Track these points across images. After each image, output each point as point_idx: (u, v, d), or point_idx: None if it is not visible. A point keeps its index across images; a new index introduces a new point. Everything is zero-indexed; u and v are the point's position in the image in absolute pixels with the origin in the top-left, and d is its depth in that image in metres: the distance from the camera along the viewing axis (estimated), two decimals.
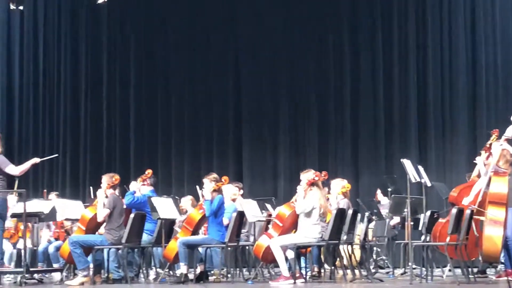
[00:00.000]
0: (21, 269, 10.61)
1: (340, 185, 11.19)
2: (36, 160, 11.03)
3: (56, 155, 11.52)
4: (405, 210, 11.56)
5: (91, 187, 13.65)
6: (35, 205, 11.36)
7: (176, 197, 12.41)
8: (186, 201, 12.66)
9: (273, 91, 16.52)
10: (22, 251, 10.90)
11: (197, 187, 12.64)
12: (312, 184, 10.17)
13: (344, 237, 10.57)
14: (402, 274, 11.74)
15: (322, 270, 10.99)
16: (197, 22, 16.91)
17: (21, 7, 16.26)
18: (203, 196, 10.89)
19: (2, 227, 10.66)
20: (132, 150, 17.06)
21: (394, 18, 15.88)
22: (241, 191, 12.06)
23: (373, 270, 11.61)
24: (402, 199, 11.94)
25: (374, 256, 13.14)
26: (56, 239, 12.72)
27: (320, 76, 16.28)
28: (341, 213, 10.38)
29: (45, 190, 14.30)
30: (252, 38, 16.61)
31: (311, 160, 15.65)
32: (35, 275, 11.26)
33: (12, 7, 16.18)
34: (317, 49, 16.36)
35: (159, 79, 17.22)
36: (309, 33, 16.40)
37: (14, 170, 10.66)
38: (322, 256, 11.02)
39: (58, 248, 12.11)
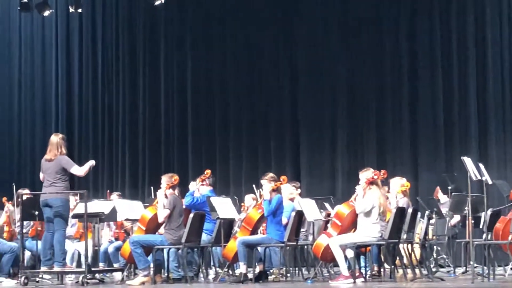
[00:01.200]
0: (83, 269, 10.73)
1: (399, 183, 11.11)
2: (93, 162, 10.99)
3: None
4: (466, 208, 11.42)
5: (152, 187, 13.75)
6: (96, 205, 11.47)
7: (235, 197, 12.44)
8: (250, 199, 12.68)
9: (330, 90, 16.42)
10: (83, 251, 11.01)
11: (254, 186, 12.66)
12: (371, 183, 10.13)
13: (404, 236, 10.51)
14: (463, 273, 11.63)
15: (382, 269, 10.90)
16: (255, 25, 16.88)
17: (79, 10, 16.48)
18: (261, 195, 10.91)
19: (64, 228, 10.77)
20: (190, 150, 17.13)
21: (452, 13, 15.67)
22: (299, 190, 12.04)
23: (433, 269, 11.53)
24: (463, 197, 11.81)
25: (435, 255, 13.01)
26: (116, 239, 12.83)
27: (378, 75, 16.12)
28: (400, 212, 10.31)
29: (108, 191, 14.44)
30: (310, 39, 16.53)
31: (369, 159, 15.53)
32: (97, 275, 11.36)
33: (71, 10, 16.41)
34: (374, 48, 16.19)
35: (216, 80, 17.26)
36: (366, 33, 16.22)
37: (79, 170, 10.72)
38: (381, 255, 10.94)
39: (117, 248, 12.25)
